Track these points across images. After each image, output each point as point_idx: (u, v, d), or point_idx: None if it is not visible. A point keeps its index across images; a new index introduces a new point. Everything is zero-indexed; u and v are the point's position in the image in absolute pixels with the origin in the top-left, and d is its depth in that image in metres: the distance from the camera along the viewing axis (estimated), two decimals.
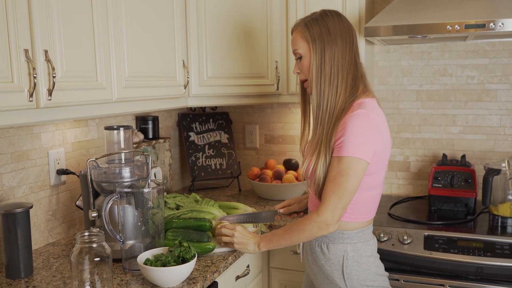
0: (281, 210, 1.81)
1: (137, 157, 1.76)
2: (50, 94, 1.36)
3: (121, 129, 1.69)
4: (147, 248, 1.58)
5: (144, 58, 1.79)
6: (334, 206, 1.46)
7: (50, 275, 1.54)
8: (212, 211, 1.86)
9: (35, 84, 1.31)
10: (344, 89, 1.49)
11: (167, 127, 2.63)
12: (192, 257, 1.47)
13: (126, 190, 1.55)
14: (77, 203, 1.87)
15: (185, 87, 2.08)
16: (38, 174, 1.79)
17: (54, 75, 1.36)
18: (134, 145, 2.18)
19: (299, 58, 1.55)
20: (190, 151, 2.65)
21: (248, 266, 1.90)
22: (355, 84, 1.53)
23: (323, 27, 1.50)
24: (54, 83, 1.36)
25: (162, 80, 1.92)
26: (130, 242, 1.57)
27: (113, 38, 1.62)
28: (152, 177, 2.34)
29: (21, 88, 1.28)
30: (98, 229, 1.61)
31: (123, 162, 1.69)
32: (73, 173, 1.86)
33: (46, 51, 1.34)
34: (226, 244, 1.67)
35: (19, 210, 1.50)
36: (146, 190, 1.55)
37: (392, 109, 2.55)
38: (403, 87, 2.53)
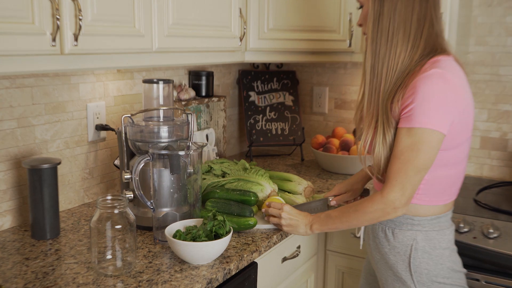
0: (333, 202, 1.73)
1: (183, 116, 1.71)
2: (76, 39, 1.31)
3: (161, 83, 1.64)
4: (183, 218, 1.54)
5: (192, 3, 1.70)
6: (402, 186, 1.34)
7: (76, 238, 1.54)
8: (260, 181, 1.78)
9: (58, 27, 1.25)
10: (406, 51, 1.35)
11: (225, 84, 2.57)
12: (227, 233, 1.40)
13: (159, 151, 1.50)
14: (115, 162, 1.86)
15: (241, 40, 1.98)
16: (75, 128, 1.78)
17: (80, 17, 1.30)
18: (183, 103, 2.13)
19: (361, 7, 1.44)
20: (249, 113, 2.59)
21: (298, 247, 1.82)
22: (427, 45, 1.37)
23: None
24: (80, 27, 1.30)
25: (214, 30, 1.83)
26: (164, 210, 1.54)
27: None
28: (203, 139, 2.30)
29: (42, 30, 1.24)
30: (132, 193, 1.59)
31: (161, 120, 1.64)
32: (112, 130, 1.84)
33: None
34: (276, 225, 1.60)
35: (45, 166, 1.49)
36: (181, 153, 1.49)
37: (489, 75, 2.30)
38: (506, 49, 2.26)
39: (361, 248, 1.66)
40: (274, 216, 1.60)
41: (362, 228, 1.61)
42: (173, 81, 1.69)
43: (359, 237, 1.65)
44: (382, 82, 1.38)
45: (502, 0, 2.24)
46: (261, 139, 2.57)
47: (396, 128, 1.36)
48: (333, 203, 1.72)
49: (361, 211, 1.41)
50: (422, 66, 1.34)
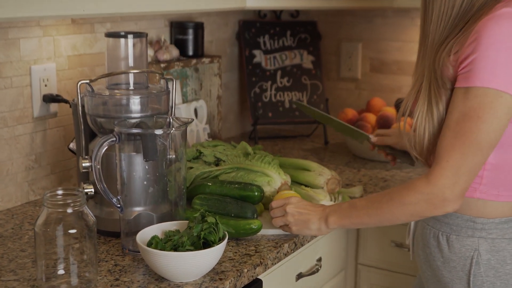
0: (374, 139, 1.82)
1: (162, 83, 1.71)
2: None
3: (130, 37, 1.64)
4: (162, 220, 1.55)
5: None
6: (456, 170, 1.34)
7: (17, 248, 1.55)
8: (267, 171, 1.78)
9: None
10: None
11: (221, 40, 2.57)
12: (220, 240, 1.41)
13: (128, 130, 1.50)
14: (70, 145, 1.86)
15: None
16: (14, 99, 1.79)
17: None
18: (163, 65, 2.14)
19: None
20: (254, 79, 2.59)
21: (319, 260, 1.83)
22: None
23: None
24: None
25: None
26: (136, 210, 1.55)
27: None
28: (191, 115, 2.31)
29: None
30: (92, 187, 1.60)
31: (131, 88, 1.65)
32: (66, 101, 1.85)
33: None
34: (284, 228, 1.62)
35: None
36: (158, 132, 1.49)
37: None
38: None
39: (411, 259, 1.66)
40: (279, 217, 1.60)
41: (411, 233, 1.62)
42: (147, 34, 1.68)
43: (407, 246, 1.66)
44: (432, 32, 1.40)
45: None
46: (270, 114, 2.57)
47: (451, 91, 1.37)
48: (374, 139, 1.84)
49: (398, 201, 1.41)
50: (492, 7, 1.34)
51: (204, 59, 2.33)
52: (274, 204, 1.63)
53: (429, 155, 1.41)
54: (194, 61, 2.29)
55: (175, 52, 2.23)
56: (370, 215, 1.46)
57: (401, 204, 1.41)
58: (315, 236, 1.72)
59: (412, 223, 1.62)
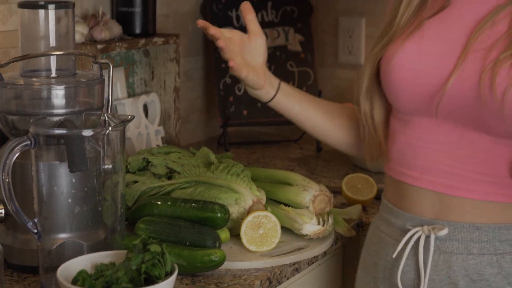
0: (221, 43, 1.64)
1: (94, 68, 1.72)
2: None
3: (51, 7, 1.64)
4: (94, 250, 1.55)
5: None
6: None
7: None
8: (235, 186, 1.80)
9: None
10: None
11: (180, 14, 2.60)
12: (167, 275, 1.41)
13: (49, 131, 1.51)
14: None
15: None
16: None
17: None
18: (100, 46, 2.14)
19: None
20: (223, 66, 2.61)
21: None
22: None
23: None
24: None
25: None
26: (59, 237, 1.55)
27: None
28: (138, 113, 2.30)
29: None
30: (2, 207, 1.60)
31: (54, 75, 1.65)
32: None
33: None
34: None
35: None
36: (86, 133, 1.49)
37: None
38: None
39: None
40: None
41: (428, 269, 1.49)
42: (74, 4, 1.69)
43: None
44: None
45: None
46: (245, 112, 2.59)
47: None
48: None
49: None
50: None
51: (156, 39, 2.34)
52: None
53: None
54: (142, 41, 2.30)
55: (116, 29, 2.24)
56: None
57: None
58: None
59: (421, 250, 1.50)
